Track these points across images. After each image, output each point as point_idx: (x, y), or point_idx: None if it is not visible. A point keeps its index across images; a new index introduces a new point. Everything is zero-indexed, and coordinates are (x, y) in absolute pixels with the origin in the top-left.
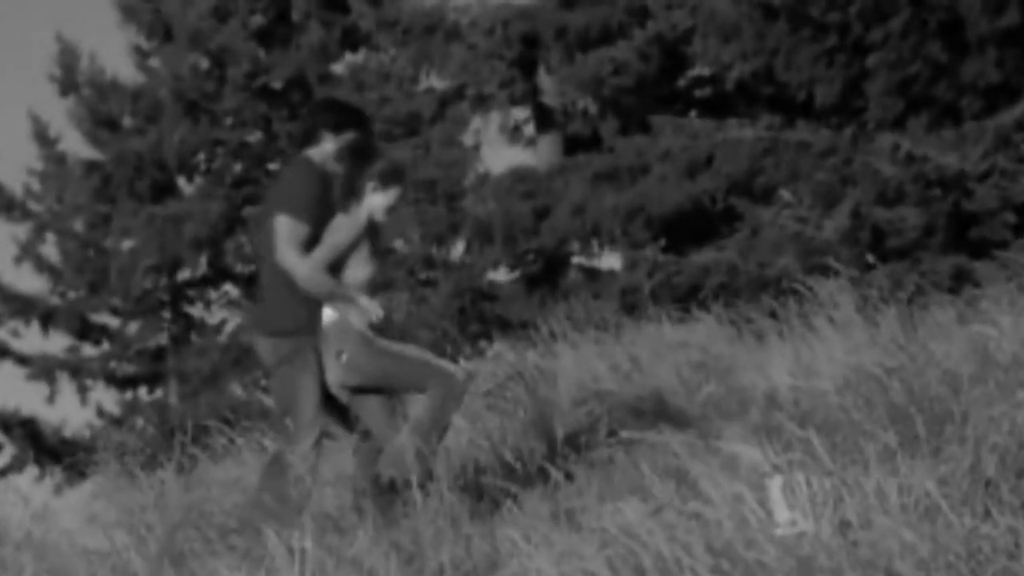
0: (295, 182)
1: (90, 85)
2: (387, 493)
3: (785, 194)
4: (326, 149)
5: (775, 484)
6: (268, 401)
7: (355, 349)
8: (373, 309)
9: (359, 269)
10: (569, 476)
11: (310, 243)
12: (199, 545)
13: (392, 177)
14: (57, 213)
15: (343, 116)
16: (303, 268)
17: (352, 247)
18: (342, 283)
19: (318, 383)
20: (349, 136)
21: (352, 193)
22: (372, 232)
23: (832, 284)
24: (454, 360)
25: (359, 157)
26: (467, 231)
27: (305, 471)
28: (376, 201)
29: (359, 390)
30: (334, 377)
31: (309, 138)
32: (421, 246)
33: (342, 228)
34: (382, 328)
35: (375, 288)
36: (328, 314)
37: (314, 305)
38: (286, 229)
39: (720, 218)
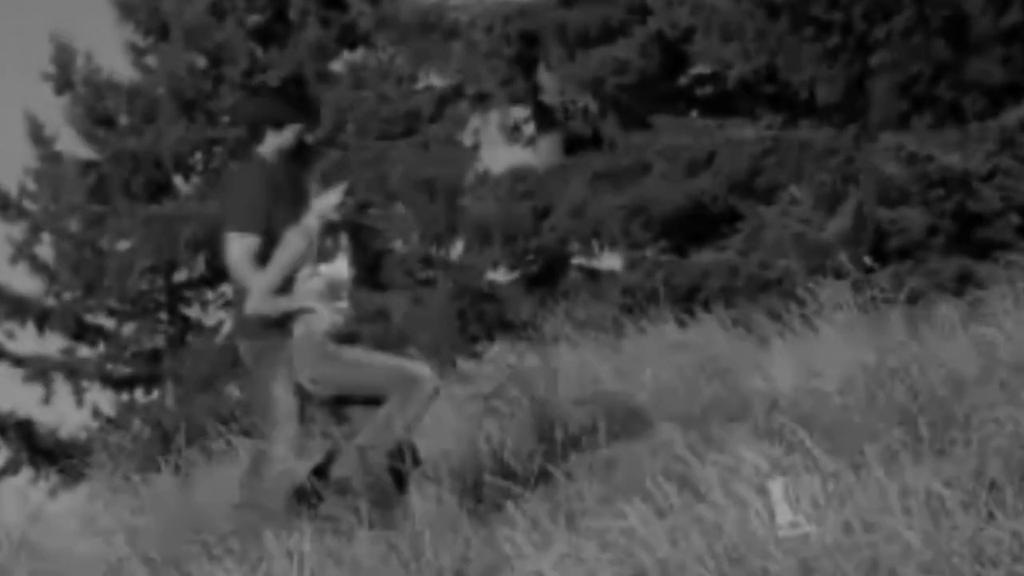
0: (239, 191)
1: (86, 83)
2: (341, 493)
3: (794, 190)
4: (272, 145)
5: (777, 486)
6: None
7: (316, 363)
8: (329, 316)
9: (312, 277)
10: (570, 478)
11: (267, 247)
12: (196, 548)
13: (334, 174)
14: (52, 213)
15: (281, 111)
16: (252, 293)
17: (303, 258)
18: (295, 295)
19: (293, 382)
20: (289, 134)
21: (299, 200)
22: (331, 231)
23: (834, 285)
24: (452, 362)
25: (297, 160)
26: (466, 231)
27: (283, 470)
28: (324, 203)
29: (339, 400)
30: (312, 392)
31: (256, 133)
32: (420, 246)
33: (289, 244)
34: (350, 334)
35: (336, 292)
36: (295, 328)
37: None
38: (236, 248)
39: (721, 218)
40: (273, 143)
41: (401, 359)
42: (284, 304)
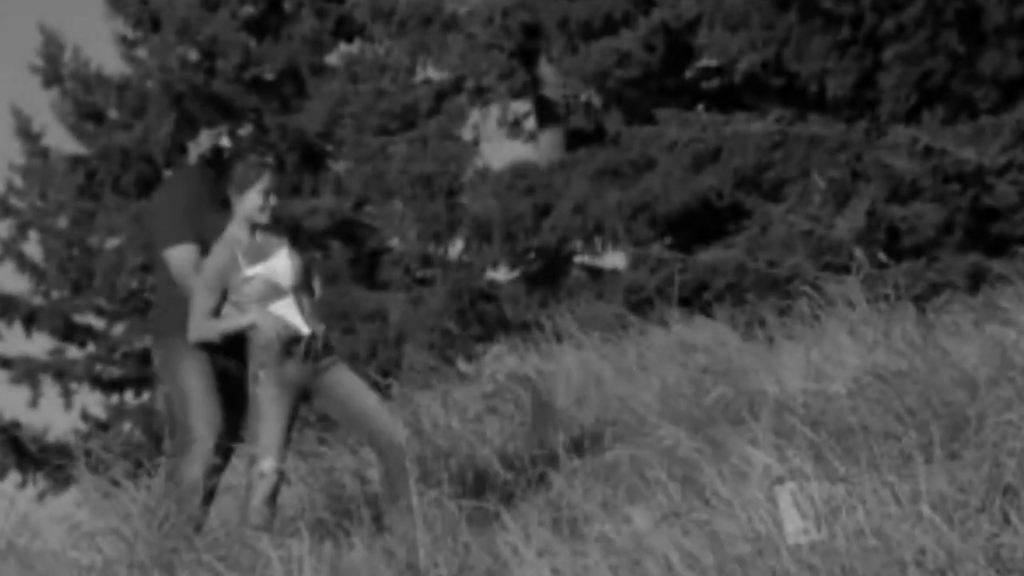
0: (164, 206)
1: (74, 77)
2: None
3: (816, 178)
4: (192, 153)
5: (785, 492)
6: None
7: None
8: (270, 325)
9: (248, 282)
10: (572, 482)
11: (202, 255)
12: (188, 555)
13: (251, 175)
14: (40, 210)
15: (195, 117)
16: (191, 320)
17: (228, 269)
18: (235, 304)
19: (207, 389)
20: (205, 140)
21: (223, 207)
22: (264, 230)
23: (845, 283)
24: (451, 363)
25: (214, 166)
26: (465, 229)
27: (193, 490)
28: (246, 206)
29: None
30: None
31: (180, 144)
32: (418, 244)
33: (210, 258)
34: (293, 342)
35: (277, 291)
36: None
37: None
38: (175, 261)
39: (728, 215)
40: (193, 152)
41: (281, 434)
42: (223, 326)
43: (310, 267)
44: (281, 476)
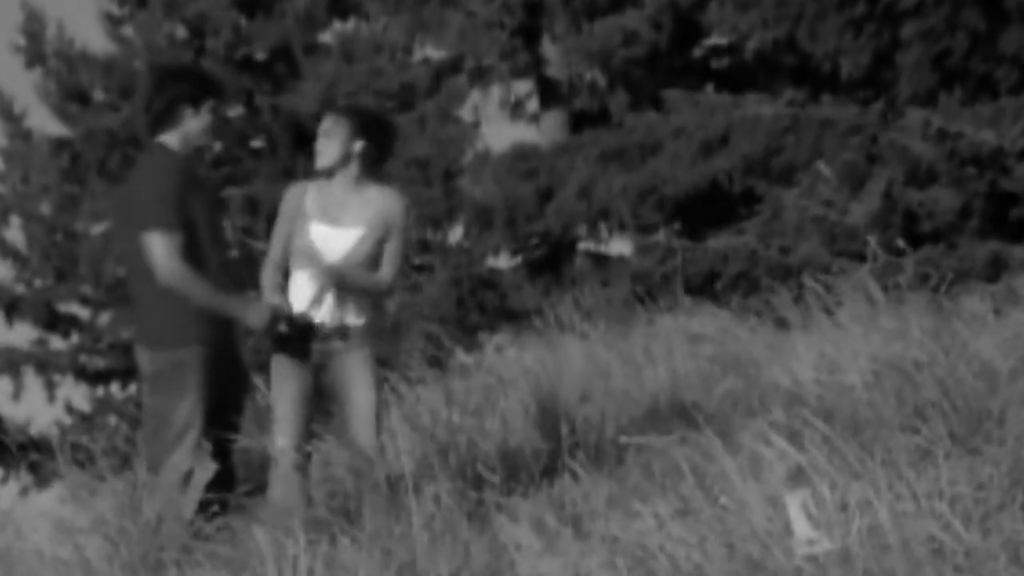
0: (155, 184)
1: (58, 56)
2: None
3: (821, 166)
4: (192, 128)
5: (795, 500)
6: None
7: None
8: (260, 312)
9: (303, 235)
10: (576, 478)
11: (190, 241)
12: (177, 553)
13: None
14: (22, 194)
15: (193, 89)
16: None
17: (295, 212)
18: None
19: (199, 408)
20: (207, 115)
21: (211, 185)
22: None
23: (859, 271)
24: (451, 354)
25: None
26: (465, 214)
27: (166, 505)
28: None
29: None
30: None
31: (170, 117)
32: (416, 230)
33: (286, 200)
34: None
35: (310, 261)
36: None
37: (195, 312)
38: (162, 247)
39: (738, 200)
40: (194, 126)
41: (293, 411)
42: (218, 303)
43: (406, 252)
44: (305, 456)
